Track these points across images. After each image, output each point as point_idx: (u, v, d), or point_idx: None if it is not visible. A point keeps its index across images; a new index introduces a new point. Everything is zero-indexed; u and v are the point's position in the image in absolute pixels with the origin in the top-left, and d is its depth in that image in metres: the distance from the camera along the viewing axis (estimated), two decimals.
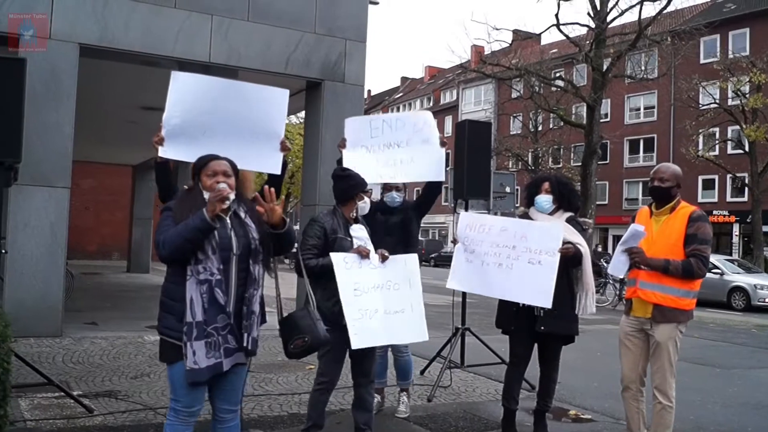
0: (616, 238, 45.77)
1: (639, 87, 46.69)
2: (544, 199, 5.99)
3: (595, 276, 6.17)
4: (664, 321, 5.36)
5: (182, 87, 5.21)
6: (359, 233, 5.47)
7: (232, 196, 3.98)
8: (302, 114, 15.81)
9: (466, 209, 8.88)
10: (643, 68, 35.24)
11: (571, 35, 32.53)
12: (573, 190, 6.23)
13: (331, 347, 5.20)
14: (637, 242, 5.32)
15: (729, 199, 46.25)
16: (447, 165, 6.89)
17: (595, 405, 7.92)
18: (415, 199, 6.90)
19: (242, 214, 4.14)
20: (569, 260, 5.68)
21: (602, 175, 45.33)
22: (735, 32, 45.73)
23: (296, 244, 4.98)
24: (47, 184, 9.92)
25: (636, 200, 50.69)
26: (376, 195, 6.75)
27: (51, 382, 6.57)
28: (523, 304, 5.84)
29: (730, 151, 41.96)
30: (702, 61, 44.55)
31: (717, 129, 39.88)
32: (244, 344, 4.00)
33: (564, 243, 5.62)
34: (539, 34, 37.53)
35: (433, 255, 54.05)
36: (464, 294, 9.09)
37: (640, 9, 29.57)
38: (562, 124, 40.28)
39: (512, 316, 5.97)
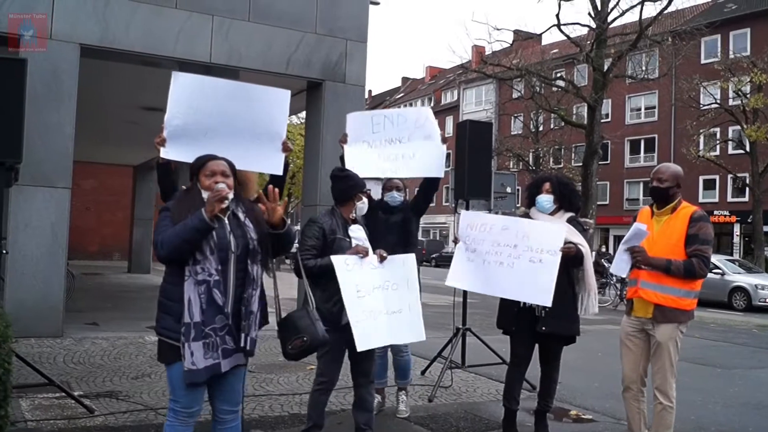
0: (617, 239, 45.79)
1: (640, 87, 46.68)
2: (545, 199, 5.99)
3: (596, 276, 6.17)
4: (665, 321, 5.36)
5: (183, 88, 5.21)
6: (358, 234, 5.47)
7: (231, 196, 3.98)
8: (303, 114, 15.79)
9: (467, 209, 8.87)
10: (643, 68, 35.23)
11: (571, 35, 32.52)
12: (574, 191, 6.22)
13: (330, 347, 5.20)
14: (639, 241, 5.31)
15: (730, 199, 46.23)
16: (447, 165, 6.91)
17: (596, 405, 7.92)
18: (413, 198, 6.90)
19: (240, 215, 4.14)
20: (570, 260, 5.67)
21: (603, 175, 45.31)
22: (736, 32, 45.71)
23: (295, 245, 4.98)
24: (48, 185, 9.92)
25: (637, 200, 50.68)
26: (377, 194, 6.75)
27: (52, 383, 6.57)
28: (524, 305, 5.84)
29: (731, 151, 41.95)
30: (703, 61, 44.55)
31: (718, 129, 39.89)
32: (242, 345, 3.99)
33: (565, 243, 5.62)
34: (540, 35, 37.53)
35: (434, 255, 54.11)
36: (465, 294, 9.09)
37: (641, 9, 29.56)
38: (563, 124, 40.26)
39: (513, 317, 5.97)
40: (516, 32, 37.89)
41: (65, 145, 10.09)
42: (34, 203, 9.83)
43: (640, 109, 53.15)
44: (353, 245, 5.37)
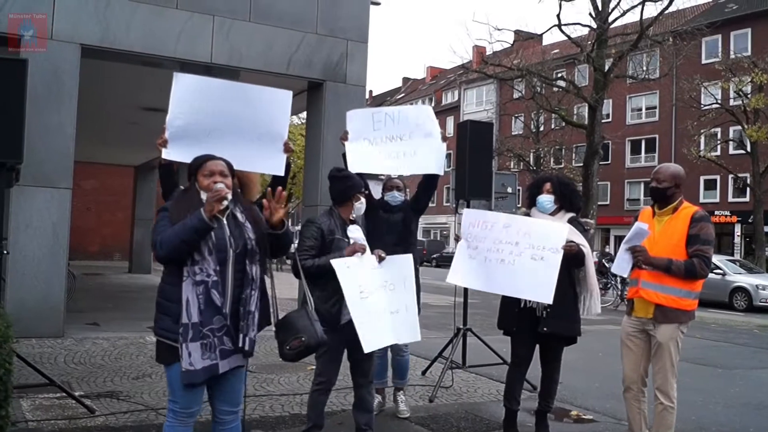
0: (618, 239, 45.74)
1: (641, 87, 46.71)
2: (546, 200, 5.99)
3: (598, 276, 6.18)
4: (665, 321, 5.36)
5: (185, 89, 5.21)
6: (356, 234, 5.47)
7: (230, 196, 3.97)
8: (304, 114, 15.80)
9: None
10: (644, 68, 35.27)
11: (572, 35, 32.55)
12: (575, 191, 6.23)
13: (329, 348, 5.20)
14: (640, 241, 5.31)
15: (731, 199, 46.22)
16: (448, 165, 6.93)
17: (596, 405, 7.91)
18: (413, 196, 6.90)
19: (238, 215, 4.13)
20: (572, 260, 5.67)
21: (604, 175, 45.32)
22: (737, 32, 45.70)
23: (294, 245, 4.97)
24: (49, 185, 9.92)
25: (638, 201, 50.65)
26: (377, 194, 6.76)
27: (53, 383, 6.57)
28: (525, 305, 5.84)
29: (731, 151, 41.95)
30: (704, 61, 44.53)
31: (719, 129, 39.91)
32: (240, 345, 3.99)
33: (567, 242, 5.61)
34: (541, 35, 37.41)
35: (434, 255, 54.10)
36: (466, 294, 9.09)
37: (642, 9, 29.56)
38: (563, 124, 40.28)
39: (514, 317, 5.96)
40: (517, 32, 37.88)
41: (66, 145, 10.10)
42: (35, 204, 9.83)
43: (640, 110, 53.14)
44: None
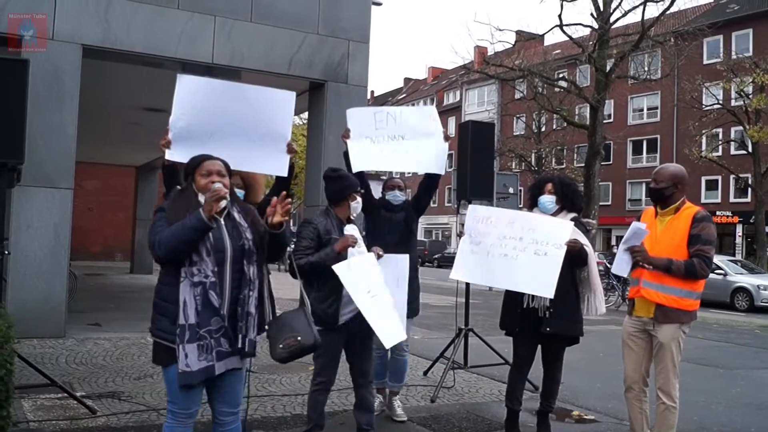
0: (619, 239, 45.52)
1: (642, 88, 46.74)
2: (548, 200, 5.99)
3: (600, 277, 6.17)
4: (666, 321, 5.35)
5: (188, 90, 5.22)
6: (353, 233, 5.47)
7: (228, 196, 3.97)
8: (305, 115, 15.79)
9: None
10: (646, 69, 35.28)
11: (574, 36, 32.54)
12: (576, 191, 6.22)
13: (327, 348, 5.20)
14: (639, 240, 5.31)
15: (732, 199, 46.21)
16: (450, 165, 6.93)
17: (598, 406, 7.91)
18: (414, 195, 6.90)
19: (236, 215, 4.13)
20: (575, 260, 5.66)
21: (605, 175, 45.28)
22: (738, 33, 45.70)
23: (291, 246, 4.97)
24: (50, 185, 9.92)
25: (639, 201, 50.64)
26: (377, 193, 6.76)
27: (54, 383, 6.57)
28: (528, 305, 5.83)
29: (733, 151, 41.99)
30: (705, 61, 44.51)
31: (720, 130, 39.89)
32: (239, 345, 3.98)
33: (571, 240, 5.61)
34: (542, 35, 37.44)
35: (436, 256, 54.09)
36: (467, 295, 9.10)
37: (644, 10, 29.55)
38: (565, 124, 40.24)
39: (517, 317, 5.95)
40: (518, 33, 37.81)
41: (67, 145, 10.10)
42: (36, 204, 9.83)
43: (642, 110, 53.14)
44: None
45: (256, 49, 11.22)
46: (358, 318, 5.28)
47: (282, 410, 6.87)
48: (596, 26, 30.43)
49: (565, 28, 30.75)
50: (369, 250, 5.44)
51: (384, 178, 6.99)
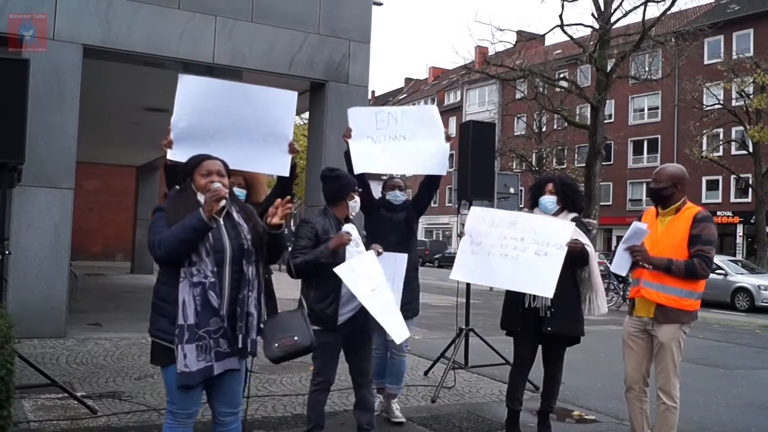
0: (620, 239, 45.59)
1: (643, 88, 46.70)
2: (548, 200, 5.99)
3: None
4: (666, 322, 5.35)
5: (190, 90, 5.23)
6: (351, 233, 5.46)
7: (227, 196, 3.96)
8: (306, 115, 15.81)
9: (469, 210, 8.86)
10: (647, 69, 35.27)
11: (575, 36, 32.55)
12: (577, 191, 6.21)
13: (325, 348, 5.21)
14: (639, 240, 5.30)
15: (733, 199, 46.20)
16: (451, 165, 6.92)
17: (598, 406, 7.90)
18: (414, 195, 6.89)
19: (234, 215, 4.12)
20: (576, 260, 5.66)
21: (606, 176, 45.28)
22: (739, 33, 45.67)
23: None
24: (51, 185, 9.92)
25: (640, 201, 50.60)
26: (377, 193, 6.75)
27: (54, 383, 6.57)
28: (530, 305, 5.83)
29: (733, 151, 41.98)
30: (706, 61, 44.50)
31: (721, 130, 39.88)
32: (240, 345, 3.97)
33: (572, 240, 5.61)
34: (543, 35, 37.49)
35: (437, 256, 54.13)
36: (468, 295, 9.10)
37: (644, 10, 29.54)
38: (566, 124, 40.25)
39: (518, 317, 5.94)
40: (519, 33, 37.81)
41: (68, 145, 10.10)
42: (36, 204, 9.84)
43: (643, 110, 53.12)
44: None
45: (256, 49, 11.22)
46: (357, 318, 5.29)
47: (283, 410, 6.86)
48: (597, 26, 30.43)
49: (566, 28, 30.77)
50: (368, 248, 5.44)
51: (384, 177, 6.96)
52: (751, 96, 34.80)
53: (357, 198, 5.58)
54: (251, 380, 5.75)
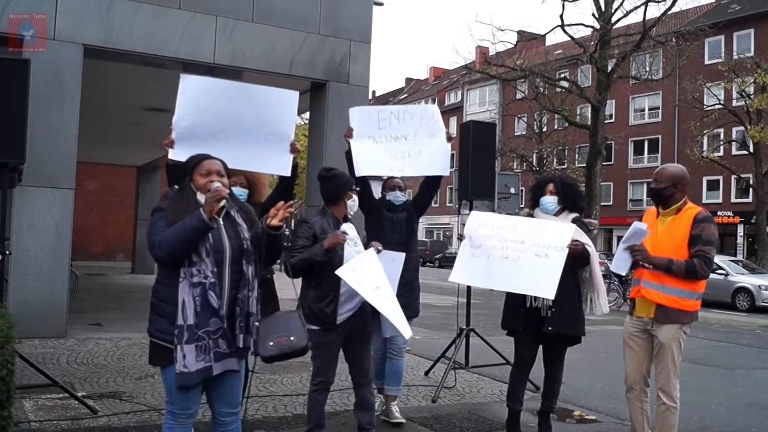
0: (621, 239, 45.60)
1: (644, 88, 46.65)
2: (549, 200, 5.98)
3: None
4: (667, 322, 5.35)
5: (191, 89, 5.23)
6: (349, 232, 5.46)
7: (227, 196, 3.96)
8: (306, 115, 15.80)
9: (471, 210, 8.86)
10: (647, 69, 35.16)
11: (575, 36, 32.42)
12: (578, 191, 6.20)
13: (324, 348, 5.21)
14: (639, 240, 5.30)
15: (733, 200, 46.20)
16: (451, 165, 6.91)
17: (599, 406, 7.91)
18: (415, 195, 6.89)
19: (234, 214, 4.12)
20: (578, 260, 5.66)
21: (607, 176, 45.23)
22: (739, 33, 45.67)
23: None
24: (52, 185, 9.92)
25: (640, 201, 50.59)
26: (377, 193, 6.75)
27: (55, 383, 6.57)
28: (531, 305, 5.83)
29: (734, 152, 41.96)
30: (707, 62, 44.47)
31: (721, 130, 39.84)
32: (240, 345, 3.97)
33: (573, 241, 5.60)
34: (544, 35, 37.38)
35: (438, 256, 54.17)
36: (469, 295, 9.10)
37: (645, 10, 29.47)
38: (566, 125, 40.16)
39: (519, 317, 5.94)
40: (520, 33, 37.75)
41: (68, 145, 10.10)
42: (37, 204, 9.84)
43: (643, 110, 53.13)
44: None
45: (257, 49, 11.22)
46: (356, 317, 5.29)
47: (283, 410, 6.87)
48: (598, 26, 30.34)
49: (566, 28, 30.62)
50: (366, 247, 5.44)
51: (384, 177, 6.95)
52: (751, 96, 34.76)
53: (355, 197, 5.58)
54: (252, 380, 5.75)
